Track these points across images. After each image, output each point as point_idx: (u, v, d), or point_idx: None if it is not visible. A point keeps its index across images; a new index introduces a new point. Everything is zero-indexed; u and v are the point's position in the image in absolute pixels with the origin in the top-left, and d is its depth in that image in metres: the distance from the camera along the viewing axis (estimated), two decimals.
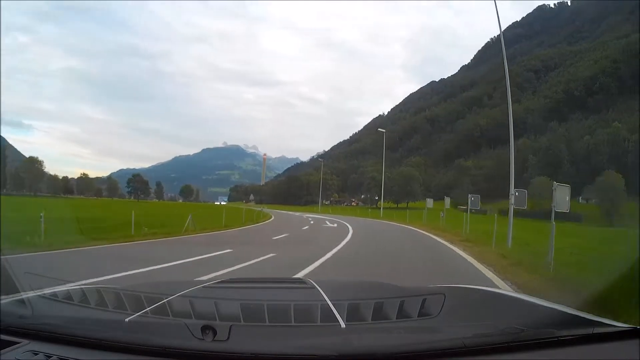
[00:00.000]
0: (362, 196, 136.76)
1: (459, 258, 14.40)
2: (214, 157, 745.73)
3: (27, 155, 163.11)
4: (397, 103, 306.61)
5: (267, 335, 1.79)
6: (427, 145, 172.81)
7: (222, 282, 2.97)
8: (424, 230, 29.34)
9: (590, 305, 5.27)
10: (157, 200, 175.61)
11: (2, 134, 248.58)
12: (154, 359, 1.61)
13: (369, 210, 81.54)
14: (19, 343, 1.75)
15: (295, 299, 2.36)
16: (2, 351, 1.70)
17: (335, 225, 35.51)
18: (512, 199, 17.97)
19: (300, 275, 9.13)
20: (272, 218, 46.16)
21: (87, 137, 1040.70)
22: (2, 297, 2.16)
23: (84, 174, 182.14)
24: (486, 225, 22.54)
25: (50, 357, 1.64)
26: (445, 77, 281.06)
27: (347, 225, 33.99)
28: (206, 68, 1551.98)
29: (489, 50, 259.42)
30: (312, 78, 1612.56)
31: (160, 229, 21.45)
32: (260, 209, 54.22)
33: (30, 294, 2.23)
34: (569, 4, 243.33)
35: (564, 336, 1.71)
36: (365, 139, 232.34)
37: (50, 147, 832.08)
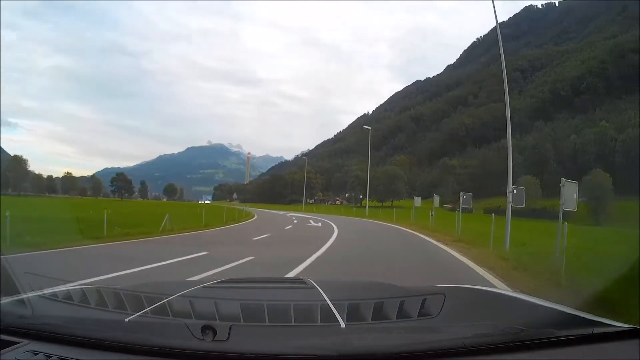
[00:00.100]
0: (347, 195, 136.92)
1: (457, 262, 13.20)
2: (198, 156, 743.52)
3: (12, 154, 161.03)
4: (382, 102, 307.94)
5: (267, 335, 1.79)
6: (412, 144, 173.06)
7: (222, 282, 2.92)
8: (413, 230, 28.05)
9: (590, 305, 5.22)
10: (141, 199, 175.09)
11: None
12: (154, 359, 1.61)
13: (354, 209, 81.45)
14: (19, 343, 1.75)
15: (295, 299, 2.35)
16: (2, 351, 1.71)
17: (320, 224, 34.53)
18: (509, 197, 17.15)
19: None
20: (255, 217, 45.23)
21: (72, 136, 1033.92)
22: (2, 297, 2.16)
23: (67, 172, 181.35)
24: (476, 225, 21.78)
25: (50, 357, 1.64)
26: (431, 77, 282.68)
27: (332, 224, 32.82)
28: (190, 66, 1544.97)
29: (475, 50, 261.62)
30: (296, 77, 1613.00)
31: (136, 229, 20.47)
32: (242, 207, 53.87)
33: (30, 294, 2.23)
34: (557, 4, 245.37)
35: (564, 336, 1.71)
36: (349, 137, 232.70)
37: (34, 146, 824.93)
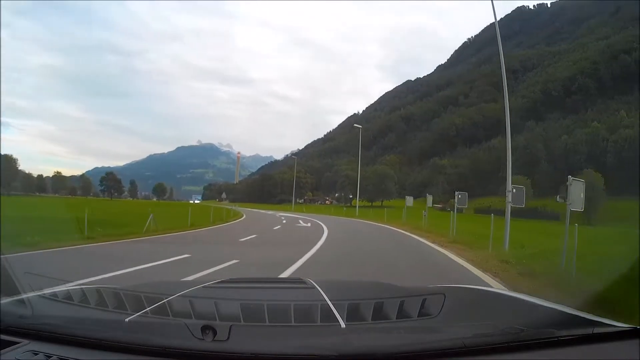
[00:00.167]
0: (336, 194, 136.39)
1: (456, 266, 12.33)
2: (188, 156, 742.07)
3: (2, 153, 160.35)
4: (372, 102, 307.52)
5: (267, 335, 1.80)
6: (402, 143, 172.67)
7: (222, 282, 2.90)
8: (406, 230, 27.16)
9: (590, 305, 5.17)
10: (131, 199, 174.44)
11: None
12: (154, 359, 1.62)
13: (344, 208, 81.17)
14: (19, 343, 1.76)
15: (295, 299, 2.37)
16: (2, 351, 1.71)
17: (309, 224, 33.89)
18: (509, 197, 16.57)
19: None
20: (244, 217, 44.72)
21: (62, 135, 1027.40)
22: (2, 297, 2.16)
23: (57, 172, 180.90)
24: (468, 225, 21.30)
25: (50, 357, 1.64)
26: (421, 77, 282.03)
27: (322, 225, 32.25)
28: (181, 66, 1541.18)
29: (466, 51, 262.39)
30: (286, 77, 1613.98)
31: (119, 229, 19.75)
32: (231, 207, 53.52)
33: (30, 294, 2.23)
34: (549, 5, 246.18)
35: (564, 336, 1.72)
36: (339, 137, 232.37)
37: (25, 145, 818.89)
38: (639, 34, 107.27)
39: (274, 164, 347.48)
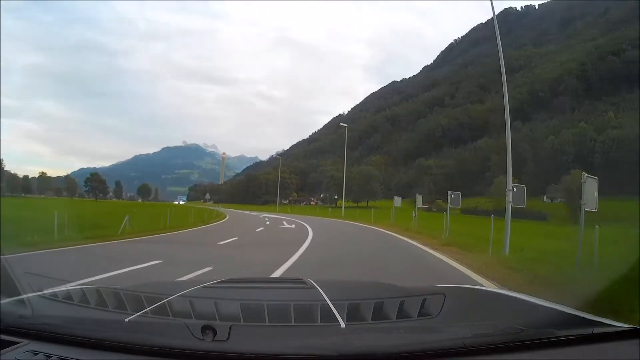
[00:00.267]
0: (322, 195, 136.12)
1: (456, 272, 11.03)
2: (173, 156, 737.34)
3: None
4: (358, 102, 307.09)
5: (267, 335, 1.80)
6: (388, 144, 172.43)
7: (222, 282, 2.89)
8: (395, 232, 25.99)
9: (590, 305, 4.95)
10: (116, 200, 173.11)
11: None
12: (154, 359, 1.62)
13: (329, 209, 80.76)
14: (19, 343, 1.76)
15: (295, 299, 2.37)
16: (2, 351, 1.72)
17: (293, 226, 32.96)
18: (509, 196, 15.49)
19: None
20: (226, 218, 44.10)
21: (48, 135, 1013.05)
22: (2, 297, 2.16)
23: (42, 172, 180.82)
24: (457, 225, 20.49)
25: (50, 357, 1.65)
26: (407, 77, 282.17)
27: (307, 226, 31.07)
28: (167, 66, 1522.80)
29: (452, 52, 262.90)
30: (272, 77, 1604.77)
31: (93, 232, 18.71)
32: (214, 208, 53.24)
33: (30, 294, 2.23)
34: (536, 7, 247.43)
35: (564, 336, 1.72)
36: (324, 138, 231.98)
37: (11, 145, 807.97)
38: (639, 34, 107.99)
39: (259, 164, 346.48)
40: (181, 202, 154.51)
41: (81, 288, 2.48)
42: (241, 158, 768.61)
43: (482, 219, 16.94)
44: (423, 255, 15.16)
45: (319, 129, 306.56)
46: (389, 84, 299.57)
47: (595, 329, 1.78)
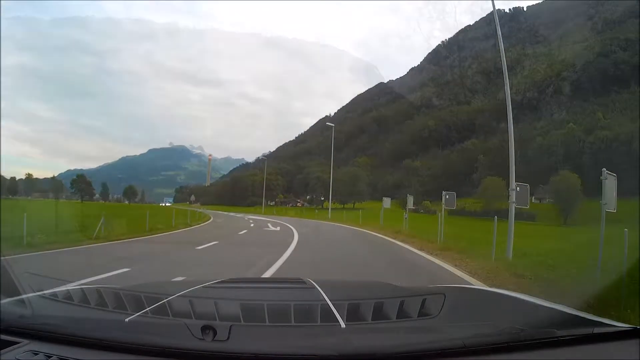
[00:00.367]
0: (308, 197, 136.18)
1: (462, 283, 8.77)
2: (159, 158, 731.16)
3: None
4: (344, 104, 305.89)
5: (267, 335, 1.82)
6: (374, 145, 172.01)
7: (222, 282, 2.86)
8: (386, 235, 24.70)
9: (590, 305, 4.79)
10: (102, 202, 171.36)
11: None
12: (154, 359, 1.63)
13: (316, 211, 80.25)
14: (19, 343, 1.77)
15: (295, 299, 2.38)
16: (2, 351, 1.72)
17: (278, 228, 31.68)
18: (512, 196, 14.64)
19: None
20: (210, 220, 42.62)
21: (35, 136, 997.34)
22: (2, 297, 2.16)
23: (28, 174, 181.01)
24: (448, 227, 19.57)
25: (50, 357, 1.66)
26: (394, 79, 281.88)
27: (292, 229, 29.46)
28: (153, 67, 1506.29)
29: (439, 54, 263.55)
30: (258, 78, 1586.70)
31: (66, 236, 17.41)
32: (198, 210, 52.67)
33: (30, 294, 2.24)
34: (525, 9, 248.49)
35: (564, 336, 1.73)
36: (311, 139, 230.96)
37: None
38: (639, 35, 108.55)
39: (245, 166, 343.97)
40: (167, 204, 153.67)
41: (81, 288, 2.48)
42: (228, 159, 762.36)
43: (471, 220, 16.28)
44: (420, 261, 13.93)
45: (306, 130, 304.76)
46: (375, 85, 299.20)
47: (596, 329, 1.79)
